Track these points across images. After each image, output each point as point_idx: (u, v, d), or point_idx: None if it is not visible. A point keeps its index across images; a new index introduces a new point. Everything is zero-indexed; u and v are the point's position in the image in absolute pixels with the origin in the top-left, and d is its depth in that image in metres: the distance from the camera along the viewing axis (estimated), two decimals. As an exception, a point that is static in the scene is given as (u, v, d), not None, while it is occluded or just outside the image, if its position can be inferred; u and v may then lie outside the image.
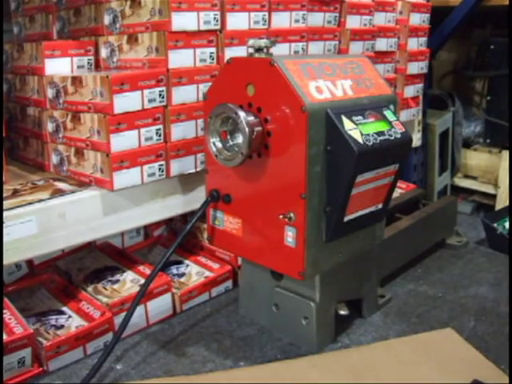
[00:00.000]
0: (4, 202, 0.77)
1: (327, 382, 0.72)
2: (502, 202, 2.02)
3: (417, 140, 1.60)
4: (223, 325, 0.87)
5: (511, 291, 0.94)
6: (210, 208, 0.83)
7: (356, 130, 0.68)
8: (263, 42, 0.73)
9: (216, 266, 0.99)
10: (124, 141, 0.82)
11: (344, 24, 1.16)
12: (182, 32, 0.86)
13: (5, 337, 0.72)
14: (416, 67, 1.43)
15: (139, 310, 0.83)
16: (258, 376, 0.73)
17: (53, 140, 0.94)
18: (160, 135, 0.87)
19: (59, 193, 0.83)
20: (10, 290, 0.90)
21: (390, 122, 0.73)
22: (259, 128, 0.71)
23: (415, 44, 1.42)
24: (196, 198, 0.93)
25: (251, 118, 0.70)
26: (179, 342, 0.82)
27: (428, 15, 1.45)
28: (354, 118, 0.69)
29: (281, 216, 0.71)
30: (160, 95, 0.85)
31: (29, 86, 0.99)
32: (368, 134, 0.69)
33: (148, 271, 0.92)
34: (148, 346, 0.81)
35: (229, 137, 0.74)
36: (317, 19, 1.10)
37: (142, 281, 0.87)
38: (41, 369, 0.75)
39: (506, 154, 2.02)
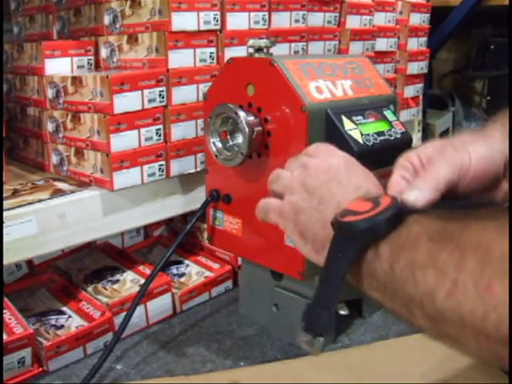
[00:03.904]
0: (4, 202, 0.77)
1: (327, 381, 0.72)
2: (501, 202, 2.02)
3: (417, 140, 1.59)
4: (223, 325, 0.87)
5: (511, 290, 0.94)
6: (210, 208, 0.83)
7: (356, 130, 0.68)
8: (263, 42, 0.73)
9: (216, 265, 0.99)
10: (124, 141, 0.82)
11: (344, 24, 1.16)
12: (182, 32, 0.86)
13: (5, 337, 0.72)
14: (416, 67, 1.43)
15: (139, 310, 0.83)
16: (258, 376, 0.73)
17: (53, 140, 0.94)
18: (160, 135, 0.87)
19: (59, 193, 0.83)
20: (10, 290, 0.90)
21: (390, 122, 0.73)
22: (259, 128, 0.71)
23: (415, 44, 1.42)
24: (196, 198, 0.93)
25: (251, 118, 0.70)
26: (179, 342, 0.82)
27: (428, 15, 1.45)
28: (354, 118, 0.69)
29: (281, 216, 0.71)
30: (160, 95, 0.85)
31: (29, 86, 0.99)
32: (368, 134, 0.69)
33: (148, 271, 0.92)
34: (148, 346, 0.81)
35: (229, 137, 0.74)
36: (317, 19, 1.10)
37: (142, 281, 0.87)
38: (41, 369, 0.75)
39: (505, 153, 2.01)
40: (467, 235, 0.39)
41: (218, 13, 0.90)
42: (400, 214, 0.45)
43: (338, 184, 0.51)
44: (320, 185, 0.52)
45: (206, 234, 0.87)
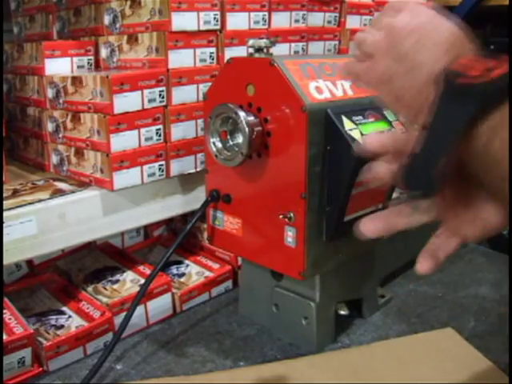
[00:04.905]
0: (4, 202, 0.77)
1: (327, 381, 0.72)
2: (502, 202, 2.02)
3: (417, 140, 1.59)
4: (223, 325, 0.87)
5: (511, 291, 0.94)
6: (210, 208, 0.83)
7: (356, 130, 0.68)
8: (263, 42, 0.73)
9: (216, 265, 0.99)
10: (124, 141, 0.82)
11: (344, 24, 1.16)
12: (182, 32, 0.86)
13: (5, 337, 0.72)
14: (416, 67, 1.43)
15: (139, 310, 0.83)
16: (258, 376, 0.73)
17: (53, 140, 0.94)
18: (160, 135, 0.87)
19: (59, 193, 0.83)
20: (10, 289, 0.90)
21: (390, 122, 0.73)
22: (259, 128, 0.71)
23: (415, 44, 1.41)
24: (196, 198, 0.93)
25: (251, 118, 0.70)
26: (179, 342, 0.82)
27: (428, 15, 1.45)
28: (354, 118, 0.69)
29: (281, 216, 0.71)
30: (160, 95, 0.85)
31: (29, 86, 0.99)
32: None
33: (148, 271, 0.92)
34: (148, 346, 0.81)
35: (229, 137, 0.74)
36: (317, 19, 1.10)
37: (142, 281, 0.87)
38: (41, 369, 0.75)
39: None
40: None
41: (218, 13, 0.90)
42: None
43: (429, 44, 0.49)
44: (409, 47, 0.49)
45: (206, 234, 0.87)
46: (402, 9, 0.53)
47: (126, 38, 0.92)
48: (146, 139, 0.85)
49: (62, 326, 0.81)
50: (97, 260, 1.00)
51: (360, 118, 0.70)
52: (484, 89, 0.41)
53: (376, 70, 0.52)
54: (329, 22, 1.13)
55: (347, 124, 0.68)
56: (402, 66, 0.50)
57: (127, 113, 0.82)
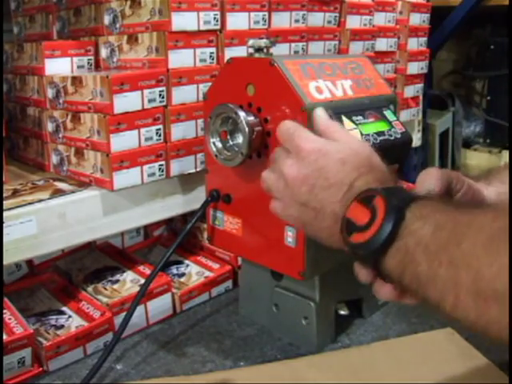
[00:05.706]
0: (4, 202, 0.77)
1: (327, 381, 0.72)
2: (502, 202, 2.01)
3: (417, 140, 1.59)
4: (223, 325, 0.87)
5: (511, 291, 0.94)
6: (210, 208, 0.83)
7: (356, 130, 0.68)
8: (263, 42, 0.73)
9: (216, 265, 0.99)
10: (124, 141, 0.82)
11: (344, 24, 1.16)
12: (182, 32, 0.86)
13: (5, 337, 0.72)
14: (416, 67, 1.43)
15: (139, 310, 0.83)
16: (258, 376, 0.73)
17: (53, 140, 0.94)
18: (160, 135, 0.87)
19: (59, 193, 0.83)
20: (10, 289, 0.90)
21: (390, 122, 0.73)
22: (259, 128, 0.71)
23: (415, 44, 1.42)
24: (196, 198, 0.93)
25: (251, 118, 0.70)
26: (179, 342, 0.82)
27: (428, 15, 1.45)
28: (354, 118, 0.69)
29: (281, 216, 0.71)
30: (160, 95, 0.85)
31: (29, 86, 0.99)
32: (368, 134, 0.69)
33: (148, 271, 0.92)
34: (148, 346, 0.81)
35: (229, 137, 0.74)
36: (317, 19, 1.10)
37: (142, 281, 0.87)
38: (41, 369, 0.75)
39: (505, 153, 2.02)
40: (459, 252, 0.41)
41: (218, 13, 0.90)
42: (400, 216, 0.46)
43: (322, 190, 0.53)
44: (307, 196, 0.54)
45: (206, 234, 0.87)
46: (290, 149, 0.57)
47: (126, 37, 0.91)
48: (146, 139, 0.85)
49: (62, 326, 0.81)
50: (97, 260, 1.00)
51: (360, 118, 0.70)
52: (375, 245, 0.47)
53: (291, 216, 0.57)
54: (329, 21, 1.13)
55: (347, 124, 0.68)
56: (308, 212, 0.54)
57: (127, 113, 0.82)
